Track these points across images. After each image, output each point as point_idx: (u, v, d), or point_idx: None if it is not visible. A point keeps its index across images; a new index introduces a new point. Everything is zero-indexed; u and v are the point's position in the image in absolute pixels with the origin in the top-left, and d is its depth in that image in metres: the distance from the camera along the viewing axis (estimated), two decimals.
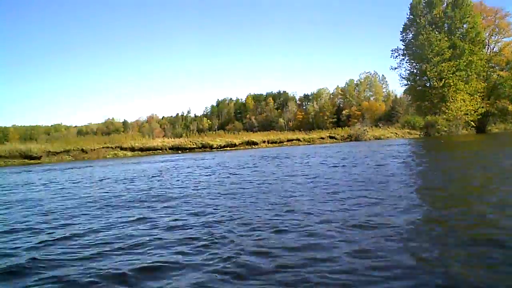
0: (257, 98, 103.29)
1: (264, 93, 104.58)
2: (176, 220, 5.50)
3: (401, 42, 45.45)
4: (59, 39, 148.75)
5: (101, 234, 4.94)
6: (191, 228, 4.94)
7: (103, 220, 5.89)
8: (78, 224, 5.68)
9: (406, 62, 45.22)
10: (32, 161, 41.47)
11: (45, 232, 5.27)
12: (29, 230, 5.49)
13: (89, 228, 5.29)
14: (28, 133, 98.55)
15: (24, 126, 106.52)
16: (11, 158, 40.71)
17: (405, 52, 44.91)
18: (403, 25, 44.69)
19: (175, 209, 6.45)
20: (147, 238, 4.53)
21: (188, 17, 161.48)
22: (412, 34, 43.72)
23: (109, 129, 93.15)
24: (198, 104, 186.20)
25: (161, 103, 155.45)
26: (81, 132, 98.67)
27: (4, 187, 12.63)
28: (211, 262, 3.60)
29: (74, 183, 12.36)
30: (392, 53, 45.81)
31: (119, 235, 4.79)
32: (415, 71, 44.53)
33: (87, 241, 4.61)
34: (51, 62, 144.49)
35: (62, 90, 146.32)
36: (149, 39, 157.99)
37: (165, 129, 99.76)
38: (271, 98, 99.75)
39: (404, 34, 44.75)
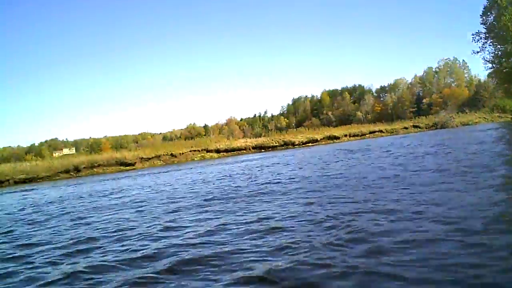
0: (332, 94, 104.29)
1: (339, 88, 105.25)
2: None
3: (482, 26, 44.63)
4: (139, 51, 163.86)
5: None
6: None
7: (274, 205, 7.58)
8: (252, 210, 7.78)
9: (489, 45, 44.25)
10: (127, 167, 48.06)
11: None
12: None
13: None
14: (119, 143, 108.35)
15: (114, 136, 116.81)
16: (108, 166, 47.77)
17: (487, 35, 44.03)
18: (483, 8, 43.92)
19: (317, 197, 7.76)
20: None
21: (260, 18, 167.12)
22: (493, 16, 42.79)
23: (191, 133, 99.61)
24: (273, 104, 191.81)
25: (238, 105, 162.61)
26: (166, 138, 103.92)
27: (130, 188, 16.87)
28: None
29: (203, 181, 15.61)
30: (473, 37, 45.07)
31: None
32: (499, 53, 43.45)
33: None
34: (134, 76, 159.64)
35: (147, 101, 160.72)
36: (219, 42, 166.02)
37: (244, 130, 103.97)
38: (346, 93, 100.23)
39: (484, 17, 43.94)
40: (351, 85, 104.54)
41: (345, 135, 54.04)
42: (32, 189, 25.80)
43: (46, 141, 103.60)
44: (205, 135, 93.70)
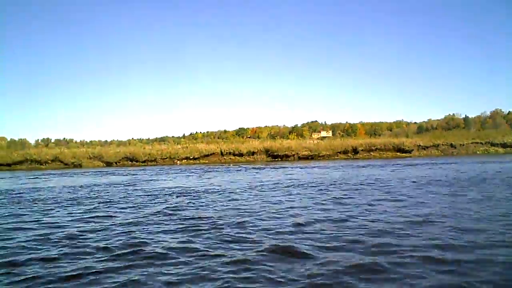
0: None
1: None
2: None
3: None
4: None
5: None
6: None
7: None
8: None
9: None
10: (403, 154, 47.68)
11: None
12: None
13: None
14: (373, 129, 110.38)
15: (369, 122, 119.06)
16: (385, 150, 48.54)
17: None
18: None
19: None
20: None
21: None
22: None
23: (449, 125, 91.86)
24: None
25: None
26: (421, 128, 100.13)
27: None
28: None
29: None
30: None
31: None
32: None
33: None
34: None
35: (402, 89, 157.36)
36: None
37: None
38: None
39: None
40: None
41: None
42: (315, 166, 29.82)
43: (307, 123, 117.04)
44: (464, 127, 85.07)
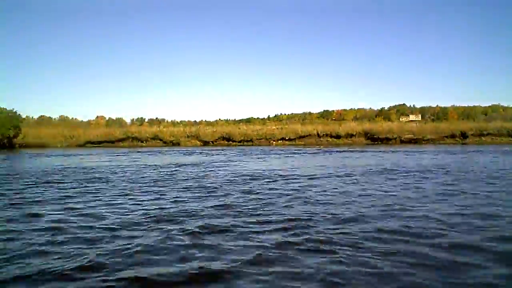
0: None
1: None
2: None
3: None
4: None
5: None
6: None
7: None
8: None
9: None
10: None
11: None
12: None
13: None
14: (466, 113, 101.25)
15: (461, 106, 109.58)
16: (498, 136, 43.86)
17: None
18: None
19: None
20: None
21: None
22: None
23: None
24: None
25: None
26: None
27: None
28: None
29: None
30: None
31: None
32: None
33: None
34: None
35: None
36: None
37: None
38: None
39: None
40: None
41: None
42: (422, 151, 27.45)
43: (394, 106, 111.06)
44: None
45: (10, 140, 45.84)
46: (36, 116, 74.16)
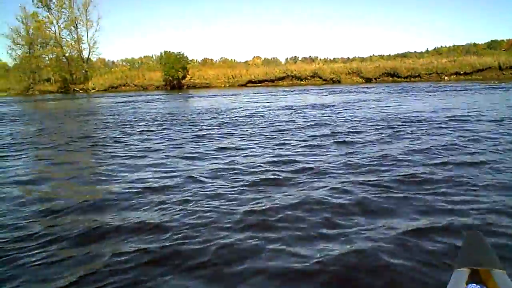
0: None
1: None
2: None
3: None
4: None
5: None
6: None
7: None
8: None
9: None
10: None
11: None
12: None
13: None
14: None
15: None
16: None
17: None
18: None
19: None
20: None
21: None
22: None
23: None
24: None
25: None
26: None
27: None
28: None
29: None
30: None
31: None
32: None
33: None
34: None
35: None
36: None
37: None
38: None
39: None
40: None
41: None
42: None
43: None
44: None
45: (179, 81, 50.19)
46: (199, 59, 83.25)
